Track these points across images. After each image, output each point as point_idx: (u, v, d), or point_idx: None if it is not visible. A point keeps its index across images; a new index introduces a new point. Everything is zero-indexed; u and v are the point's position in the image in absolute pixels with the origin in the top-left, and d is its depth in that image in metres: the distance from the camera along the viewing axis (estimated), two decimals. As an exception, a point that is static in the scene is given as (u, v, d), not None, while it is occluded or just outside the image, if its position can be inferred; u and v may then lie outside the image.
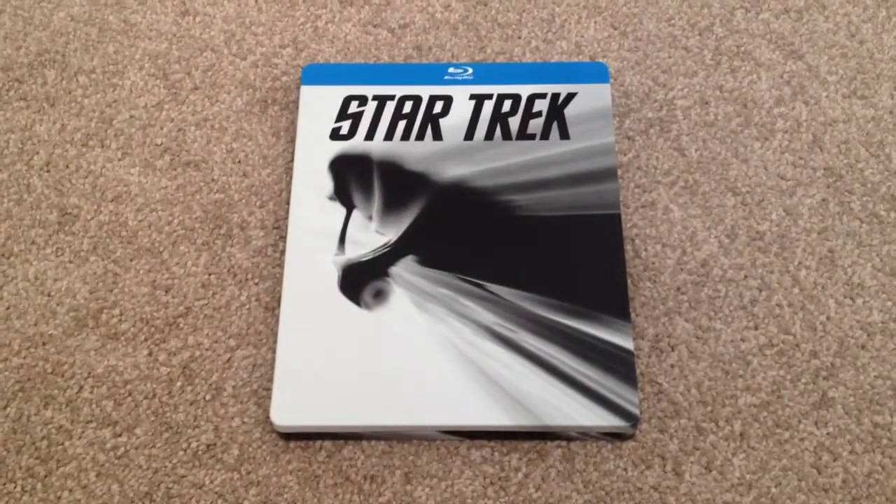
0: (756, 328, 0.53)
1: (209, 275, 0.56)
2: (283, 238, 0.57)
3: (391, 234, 0.55)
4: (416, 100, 0.60)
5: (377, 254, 0.55)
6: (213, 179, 0.59)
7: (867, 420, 0.51)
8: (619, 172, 0.58)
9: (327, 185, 0.57)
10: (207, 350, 0.53)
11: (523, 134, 0.59)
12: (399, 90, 0.61)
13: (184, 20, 0.65)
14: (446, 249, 0.55)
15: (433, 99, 0.60)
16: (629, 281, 0.55)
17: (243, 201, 0.58)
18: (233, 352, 0.53)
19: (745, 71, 0.62)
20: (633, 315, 0.54)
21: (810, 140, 0.59)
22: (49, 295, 0.55)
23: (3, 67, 0.63)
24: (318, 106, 0.60)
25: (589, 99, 0.60)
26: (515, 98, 0.60)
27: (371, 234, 0.56)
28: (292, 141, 0.60)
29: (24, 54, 0.64)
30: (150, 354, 0.53)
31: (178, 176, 0.59)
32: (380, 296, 0.53)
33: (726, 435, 0.50)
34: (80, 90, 0.62)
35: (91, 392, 0.52)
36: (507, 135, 0.59)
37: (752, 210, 0.57)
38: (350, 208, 0.56)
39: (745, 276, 0.55)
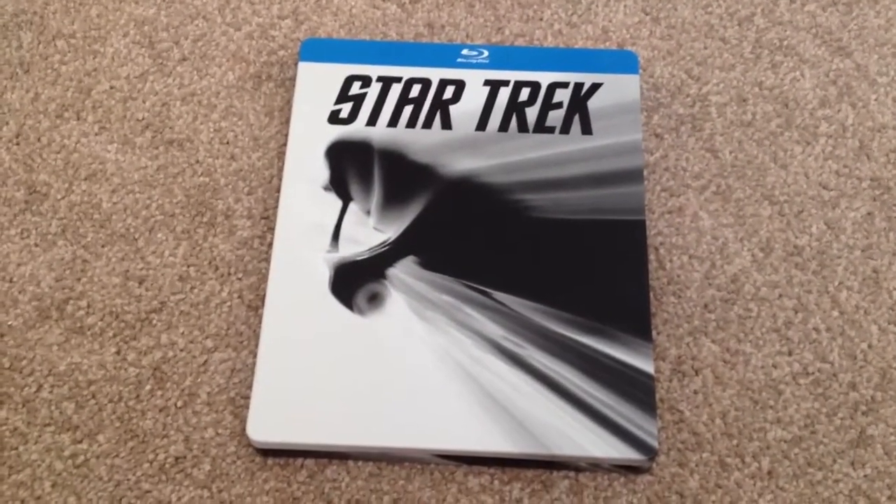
0: (790, 354, 0.48)
1: (188, 266, 0.50)
2: (272, 230, 0.51)
3: (390, 232, 0.50)
4: (425, 83, 0.55)
5: (374, 252, 0.50)
6: (197, 161, 0.54)
7: (910, 463, 0.46)
8: (646, 174, 0.53)
9: (322, 173, 0.52)
10: (182, 351, 0.48)
11: (541, 126, 0.53)
12: (406, 72, 0.55)
13: (175, -17, 0.60)
14: (451, 251, 0.50)
15: (444, 83, 0.55)
16: (651, 295, 0.50)
17: (230, 187, 0.53)
18: (210, 354, 0.48)
19: (788, 67, 0.57)
20: (654, 333, 0.49)
21: (857, 147, 0.54)
22: (11, 281, 0.50)
23: (-24, 27, 0.58)
24: (317, 85, 0.55)
25: (615, 91, 0.54)
26: (534, 86, 0.55)
27: (369, 230, 0.50)
28: (287, 122, 0.55)
29: (-1, 14, 0.59)
30: (118, 353, 0.48)
31: (160, 155, 0.54)
32: (375, 300, 0.48)
33: (753, 473, 0.45)
34: (57, 56, 0.57)
35: (51, 392, 0.47)
36: (523, 126, 0.53)
37: (790, 222, 0.52)
38: (347, 200, 0.51)
39: (780, 296, 0.50)
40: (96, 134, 0.54)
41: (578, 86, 0.55)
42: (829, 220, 0.52)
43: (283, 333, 0.47)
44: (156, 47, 0.58)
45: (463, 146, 0.53)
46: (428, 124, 0.54)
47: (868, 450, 0.46)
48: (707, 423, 0.46)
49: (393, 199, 0.51)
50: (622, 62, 0.55)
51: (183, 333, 0.49)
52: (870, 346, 0.48)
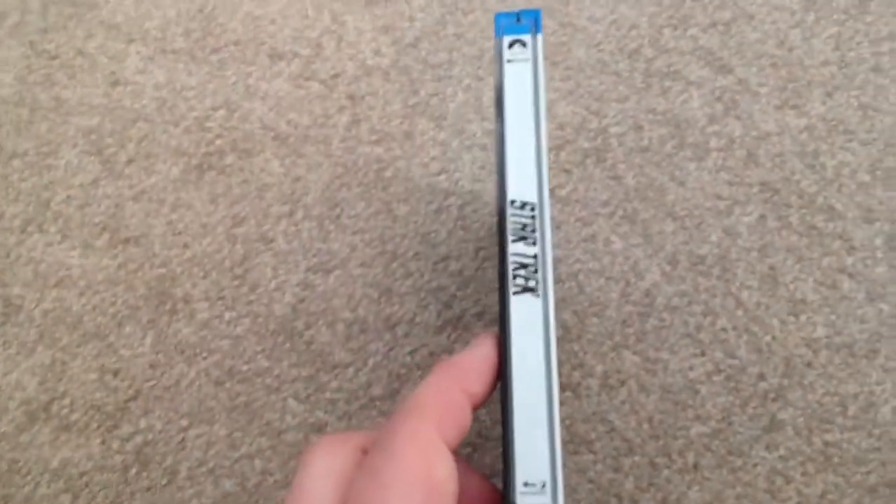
0: (703, 355, 0.54)
1: (157, 354, 0.56)
2: (229, 308, 0.57)
3: None
4: None
5: None
6: (154, 254, 0.59)
7: (818, 440, 0.51)
8: (559, 207, 0.58)
9: None
10: (160, 432, 0.53)
11: None
12: None
13: (114, 91, 0.65)
14: None
15: None
16: (576, 318, 0.55)
17: (186, 274, 0.58)
18: (185, 431, 0.53)
19: (677, 91, 0.62)
20: (581, 353, 0.54)
21: (745, 156, 0.59)
22: (-1, 390, 0.55)
23: (-62, 159, 0.64)
24: None
25: None
26: None
27: None
28: (230, 206, 0.60)
29: (-43, 143, 0.64)
30: (103, 442, 0.53)
31: (119, 254, 0.59)
32: None
33: (680, 468, 0.51)
34: (15, 175, 0.62)
35: (48, 487, 0.52)
36: None
37: (691, 234, 0.57)
38: None
39: (689, 303, 0.55)
40: (59, 242, 0.59)
41: None
42: (726, 227, 0.57)
43: None
44: (104, 153, 0.63)
45: None
46: None
47: (780, 433, 0.51)
48: (636, 429, 0.52)
49: None
50: None
51: (159, 416, 0.54)
52: (773, 339, 0.54)
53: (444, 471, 0.30)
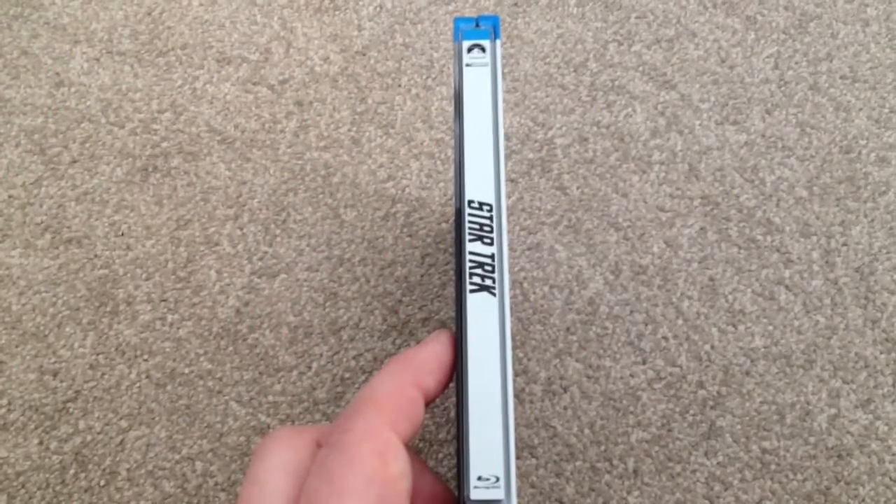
0: (644, 363, 0.54)
1: (97, 355, 0.55)
2: (171, 310, 0.56)
3: None
4: None
5: None
6: (96, 255, 0.58)
7: (755, 447, 0.52)
8: (506, 216, 0.59)
9: None
10: (99, 433, 0.53)
11: None
12: None
13: (59, 92, 0.64)
14: None
15: None
16: (520, 325, 0.55)
17: (128, 275, 0.57)
18: (125, 433, 0.53)
19: (621, 105, 0.63)
20: (525, 360, 0.54)
21: (686, 170, 0.60)
22: (-67, 390, 0.54)
23: None
24: None
25: None
26: None
27: None
28: (175, 208, 0.60)
29: None
30: (41, 443, 0.52)
31: (61, 255, 0.58)
32: None
33: (620, 473, 0.51)
34: (-46, 173, 0.61)
35: (-18, 487, 0.51)
36: None
37: (634, 244, 0.58)
38: None
39: (631, 311, 0.56)
40: (0, 242, 0.59)
41: None
42: (667, 238, 0.58)
43: None
44: (47, 153, 0.62)
45: None
46: None
47: (719, 440, 0.52)
48: (577, 434, 0.52)
49: None
50: None
51: (98, 417, 0.53)
52: (712, 347, 0.55)
53: (399, 467, 0.30)
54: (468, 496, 0.33)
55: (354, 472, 0.29)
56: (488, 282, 0.36)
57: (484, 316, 0.36)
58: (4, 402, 0.53)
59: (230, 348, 0.55)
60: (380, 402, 0.32)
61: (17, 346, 0.55)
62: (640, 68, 0.65)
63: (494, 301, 0.36)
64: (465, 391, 0.34)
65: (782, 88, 0.63)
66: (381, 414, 0.31)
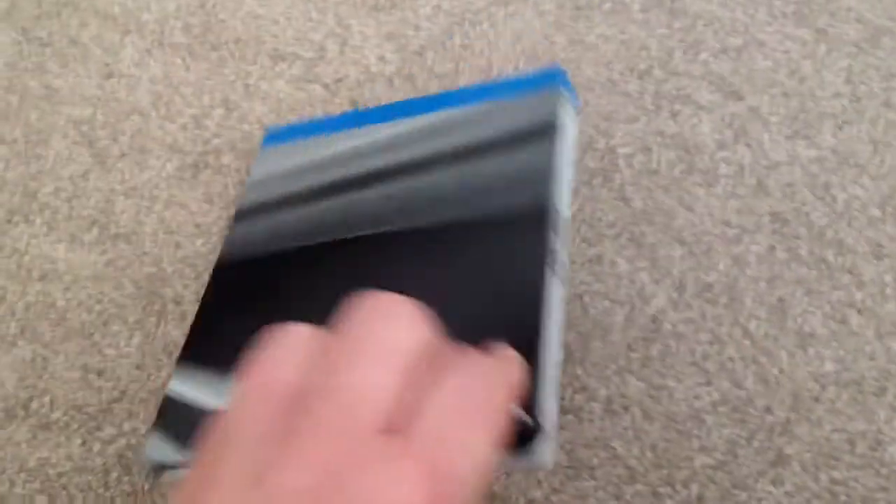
0: (709, 384, 0.52)
1: (143, 355, 0.53)
2: (220, 312, 0.55)
3: None
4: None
5: None
6: (144, 252, 0.57)
7: (824, 476, 0.50)
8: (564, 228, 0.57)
9: None
10: (144, 436, 0.51)
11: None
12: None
13: (108, 83, 0.63)
14: None
15: None
16: (580, 340, 0.54)
17: (177, 274, 0.56)
18: (171, 437, 0.51)
19: (687, 114, 0.61)
20: (584, 376, 0.53)
21: (754, 184, 0.58)
22: (-25, 385, 0.53)
23: (-80, 142, 0.61)
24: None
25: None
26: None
27: None
28: (226, 207, 0.58)
29: (-59, 127, 0.62)
30: (83, 444, 0.51)
31: (108, 250, 0.57)
32: None
33: (683, 499, 0.49)
34: (1, 163, 0.60)
35: (23, 487, 0.50)
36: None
37: (699, 260, 0.56)
38: None
39: (696, 330, 0.54)
40: (45, 235, 0.57)
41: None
42: (734, 255, 0.56)
43: None
44: (95, 146, 0.61)
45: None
46: None
47: (786, 468, 0.50)
48: (638, 457, 0.50)
49: None
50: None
51: (144, 420, 0.52)
52: (781, 371, 0.53)
53: None
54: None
55: None
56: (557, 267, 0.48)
57: (556, 298, 0.47)
58: (47, 400, 0.52)
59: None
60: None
61: (61, 343, 0.54)
62: (707, 78, 0.62)
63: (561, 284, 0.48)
64: (544, 352, 0.44)
65: (854, 104, 0.61)
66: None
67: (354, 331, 0.28)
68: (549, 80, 0.57)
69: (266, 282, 0.50)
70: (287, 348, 0.29)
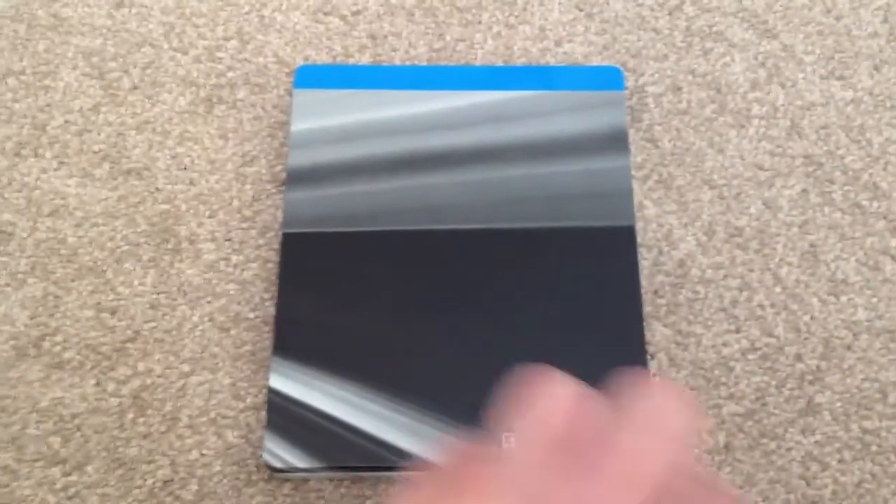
0: (738, 331, 0.51)
1: (158, 294, 0.52)
2: (236, 251, 0.53)
3: None
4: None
5: None
6: (157, 189, 0.55)
7: (855, 426, 0.49)
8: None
9: None
10: (159, 377, 0.50)
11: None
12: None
13: (119, 13, 0.61)
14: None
15: None
16: (604, 285, 0.52)
17: (191, 212, 0.54)
18: (187, 378, 0.50)
19: (718, 53, 0.59)
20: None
21: (788, 126, 0.56)
22: (-15, 323, 0.51)
23: (-75, 71, 0.59)
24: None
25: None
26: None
27: None
28: (241, 143, 0.56)
29: (-54, 56, 0.59)
30: (97, 384, 0.50)
31: (120, 186, 0.55)
32: None
33: (711, 448, 0.48)
34: (9, 94, 0.58)
35: (37, 428, 0.49)
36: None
37: (729, 204, 0.54)
38: None
39: (725, 276, 0.52)
40: (55, 169, 0.55)
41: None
42: (766, 199, 0.54)
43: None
44: (106, 78, 0.59)
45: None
46: None
47: (816, 417, 0.49)
48: (665, 404, 0.49)
49: None
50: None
51: (159, 360, 0.50)
52: (812, 319, 0.51)
53: None
54: None
55: None
56: None
57: None
58: (59, 339, 0.51)
59: (297, 294, 0.52)
60: None
61: (73, 281, 0.52)
62: (740, 14, 0.60)
63: None
64: None
65: (892, 44, 0.59)
66: None
67: (640, 408, 0.27)
68: (609, 79, 0.57)
69: (343, 265, 0.51)
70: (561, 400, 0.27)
